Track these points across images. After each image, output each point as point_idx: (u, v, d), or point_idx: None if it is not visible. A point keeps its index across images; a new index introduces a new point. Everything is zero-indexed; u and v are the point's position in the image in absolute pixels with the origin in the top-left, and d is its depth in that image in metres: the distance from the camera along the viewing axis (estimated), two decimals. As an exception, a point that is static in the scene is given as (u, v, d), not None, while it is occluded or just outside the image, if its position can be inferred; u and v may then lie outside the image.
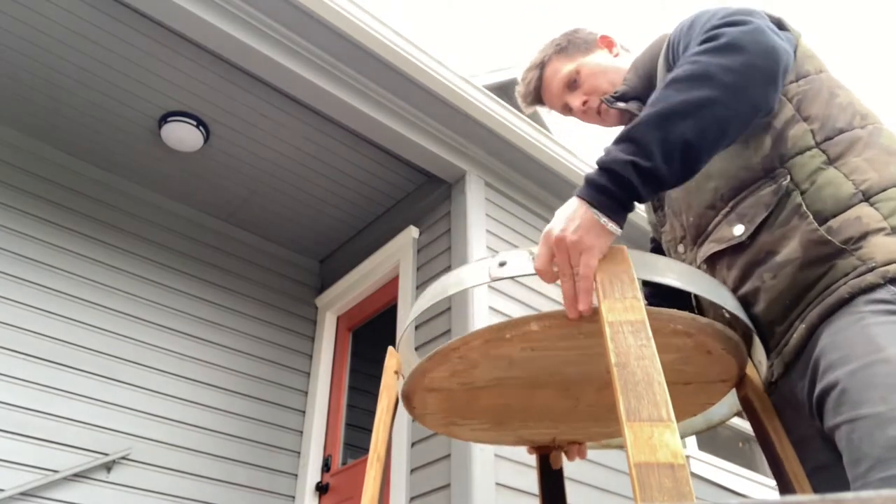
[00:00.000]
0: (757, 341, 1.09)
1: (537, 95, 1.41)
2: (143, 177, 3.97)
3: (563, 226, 0.90)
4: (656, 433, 0.70)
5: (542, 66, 1.39)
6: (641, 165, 0.90)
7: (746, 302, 1.06)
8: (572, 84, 1.36)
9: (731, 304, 1.05)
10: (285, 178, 3.96)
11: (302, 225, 4.34)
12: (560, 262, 0.90)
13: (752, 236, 1.05)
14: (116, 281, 3.70)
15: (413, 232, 3.87)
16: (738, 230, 1.06)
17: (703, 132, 0.93)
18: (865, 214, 0.96)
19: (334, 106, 3.38)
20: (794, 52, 1.11)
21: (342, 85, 3.32)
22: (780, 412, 1.09)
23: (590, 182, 0.92)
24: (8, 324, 3.27)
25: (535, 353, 0.99)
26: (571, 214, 0.91)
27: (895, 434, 0.82)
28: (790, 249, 0.99)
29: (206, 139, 3.67)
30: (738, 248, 1.07)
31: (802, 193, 1.01)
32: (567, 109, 1.39)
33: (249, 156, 3.82)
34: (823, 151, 1.03)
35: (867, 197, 0.98)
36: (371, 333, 4.26)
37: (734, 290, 1.07)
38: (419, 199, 4.00)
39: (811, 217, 0.99)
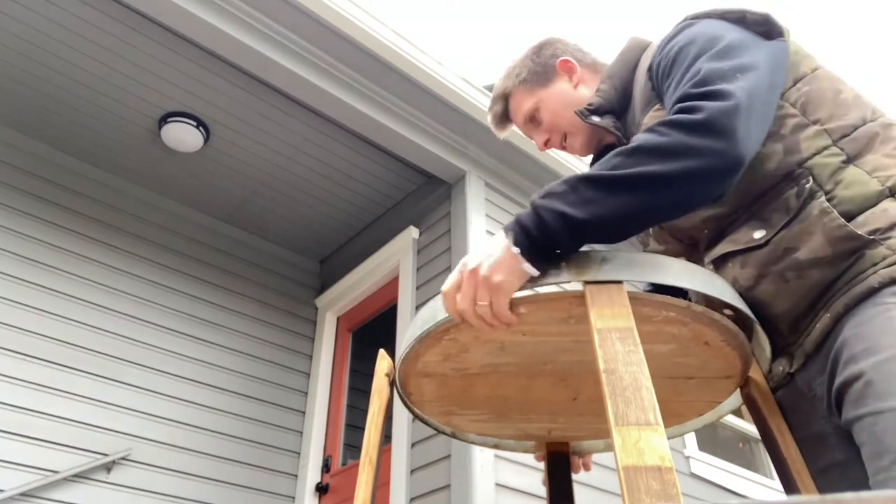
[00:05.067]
0: (760, 332, 1.07)
1: (507, 121, 1.43)
2: (143, 177, 3.97)
3: (480, 260, 0.90)
4: (644, 437, 0.71)
5: (505, 98, 1.39)
6: (571, 218, 0.88)
7: (763, 301, 1.03)
8: (533, 119, 1.36)
9: (728, 294, 1.02)
10: (285, 178, 3.96)
11: (302, 225, 4.34)
12: (464, 293, 0.91)
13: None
14: (116, 281, 3.70)
15: (413, 232, 3.86)
16: (759, 234, 1.03)
17: (645, 208, 0.91)
18: (893, 207, 0.96)
19: (334, 106, 3.38)
20: (788, 56, 1.08)
21: (342, 85, 3.32)
22: (794, 407, 1.07)
23: (518, 220, 0.91)
24: (8, 324, 3.27)
25: (525, 338, 0.99)
26: (491, 250, 0.91)
27: None
28: (815, 247, 0.97)
29: (206, 139, 3.67)
30: (753, 248, 1.04)
31: (827, 194, 0.98)
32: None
33: (249, 156, 3.81)
34: (841, 149, 1.01)
35: (894, 192, 0.97)
36: (371, 334, 4.25)
37: (747, 289, 1.04)
38: (419, 199, 4.00)
39: (835, 213, 0.96)
